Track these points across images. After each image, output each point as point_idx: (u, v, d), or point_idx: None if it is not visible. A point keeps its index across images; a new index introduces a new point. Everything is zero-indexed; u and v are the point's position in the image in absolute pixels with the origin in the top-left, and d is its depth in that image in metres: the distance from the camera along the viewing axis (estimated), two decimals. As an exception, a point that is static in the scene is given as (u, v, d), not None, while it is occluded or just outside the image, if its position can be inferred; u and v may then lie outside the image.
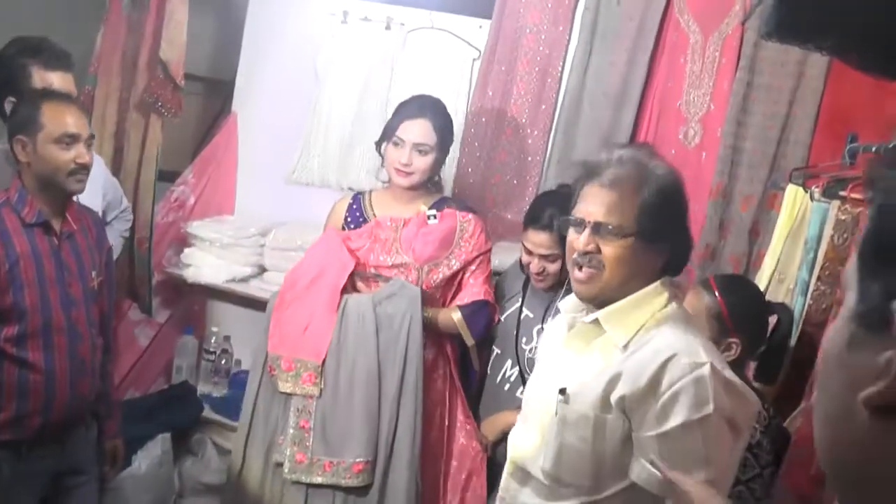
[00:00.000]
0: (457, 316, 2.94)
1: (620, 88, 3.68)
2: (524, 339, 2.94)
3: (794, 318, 2.58)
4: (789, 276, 2.90)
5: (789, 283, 2.88)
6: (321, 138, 3.98)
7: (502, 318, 3.02)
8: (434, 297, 3.03)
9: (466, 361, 3.12)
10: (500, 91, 3.79)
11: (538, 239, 2.84)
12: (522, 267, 2.96)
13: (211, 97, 4.44)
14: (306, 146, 4.00)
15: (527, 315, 2.98)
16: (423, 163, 3.00)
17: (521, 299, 3.01)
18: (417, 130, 2.99)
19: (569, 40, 3.78)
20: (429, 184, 3.12)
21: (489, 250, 3.07)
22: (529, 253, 2.87)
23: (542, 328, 2.80)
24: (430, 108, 3.05)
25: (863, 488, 0.74)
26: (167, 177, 4.08)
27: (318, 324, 2.84)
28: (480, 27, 3.86)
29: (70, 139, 2.59)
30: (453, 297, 3.05)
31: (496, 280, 3.23)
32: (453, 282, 3.05)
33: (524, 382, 2.81)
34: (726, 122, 3.49)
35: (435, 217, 3.00)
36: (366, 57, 3.91)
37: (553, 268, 2.85)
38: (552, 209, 2.77)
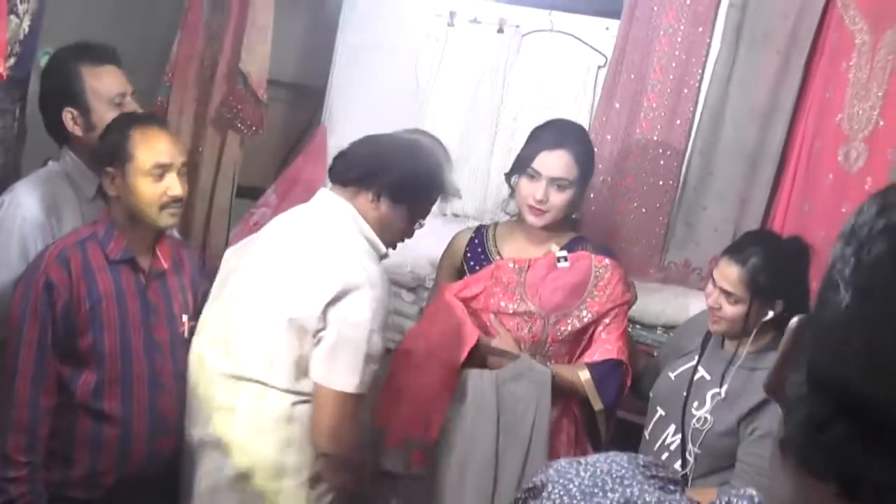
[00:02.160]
0: (584, 375, 2.88)
1: (770, 101, 3.56)
2: (695, 404, 2.84)
3: None
4: None
5: None
6: None
7: (672, 376, 2.94)
8: (560, 351, 2.98)
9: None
10: (628, 104, 3.71)
11: (727, 270, 2.77)
12: (704, 320, 2.91)
13: (298, 106, 4.46)
14: None
15: (702, 376, 2.88)
16: (560, 199, 2.94)
17: (698, 357, 2.91)
18: (556, 163, 2.93)
19: (709, 44, 3.67)
20: (564, 222, 3.06)
21: (627, 302, 3.00)
22: (714, 283, 2.81)
23: (720, 393, 2.76)
24: (570, 136, 3.00)
25: None
26: (246, 193, 4.10)
27: (434, 402, 2.80)
28: (607, 29, 3.79)
29: (161, 170, 2.63)
30: (581, 354, 2.99)
31: (672, 334, 3.20)
32: (583, 336, 2.99)
33: (684, 454, 2.79)
34: (899, 141, 3.33)
35: (566, 260, 2.95)
36: (475, 64, 3.89)
37: (731, 311, 2.76)
38: (757, 248, 2.75)
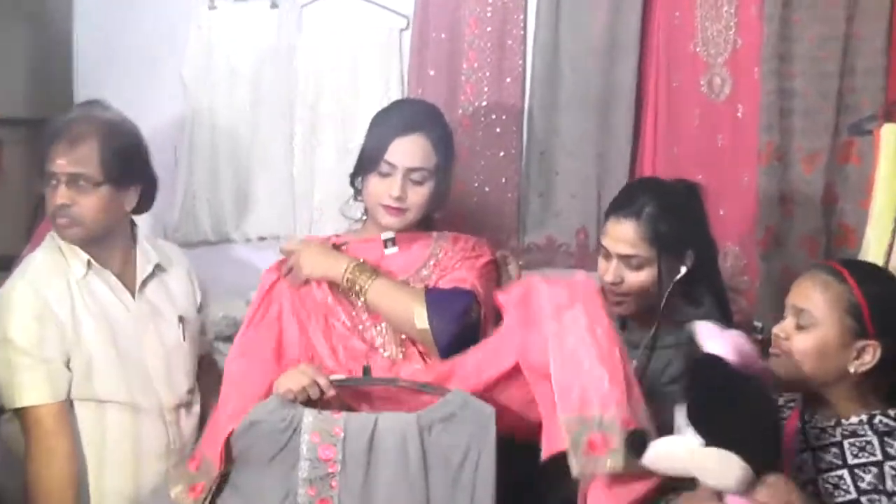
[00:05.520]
0: (419, 304, 2.55)
1: (608, 37, 3.44)
2: None
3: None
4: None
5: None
6: (206, 174, 3.62)
7: None
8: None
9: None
10: (444, 68, 3.47)
11: (619, 231, 2.58)
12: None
13: (39, 145, 3.82)
14: (188, 189, 3.62)
15: None
16: (420, 195, 2.69)
17: None
18: (412, 150, 2.68)
19: (526, -16, 3.51)
20: (424, 223, 2.81)
21: (484, 257, 2.74)
22: (606, 255, 2.62)
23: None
24: (424, 118, 2.76)
25: None
26: (-1, 264, 3.73)
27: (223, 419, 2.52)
28: (402, -15, 3.57)
29: None
30: None
31: None
32: None
33: None
34: (763, 59, 3.25)
35: (394, 243, 2.73)
36: (250, 50, 3.58)
37: (637, 279, 2.58)
38: (645, 196, 2.59)
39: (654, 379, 2.51)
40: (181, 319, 2.85)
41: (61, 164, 2.62)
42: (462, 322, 2.55)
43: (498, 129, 3.46)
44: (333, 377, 2.42)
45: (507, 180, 3.48)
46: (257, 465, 2.37)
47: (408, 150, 2.69)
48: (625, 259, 2.56)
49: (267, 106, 3.59)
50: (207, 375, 2.90)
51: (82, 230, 2.66)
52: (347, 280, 2.58)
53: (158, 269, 2.82)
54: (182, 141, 3.60)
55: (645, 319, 2.60)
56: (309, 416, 2.33)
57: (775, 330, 2.20)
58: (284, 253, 2.68)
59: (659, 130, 3.37)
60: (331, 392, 2.37)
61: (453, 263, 2.71)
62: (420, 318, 2.53)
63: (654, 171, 3.33)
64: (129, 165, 2.70)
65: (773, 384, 2.15)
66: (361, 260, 2.63)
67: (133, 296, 2.74)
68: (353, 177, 2.82)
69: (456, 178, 3.25)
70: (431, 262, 2.71)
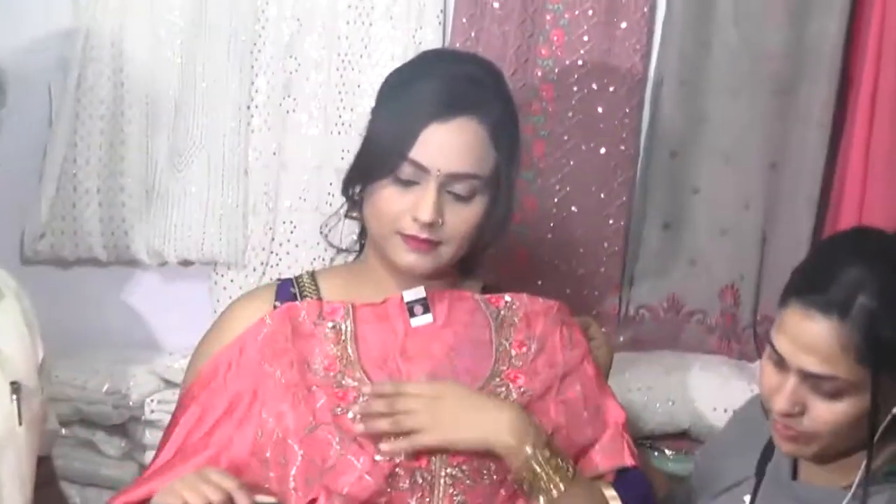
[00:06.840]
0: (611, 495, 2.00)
1: None
2: None
3: None
4: None
5: None
6: (102, 149, 2.68)
7: None
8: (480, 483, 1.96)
9: None
10: (515, 5, 2.57)
11: (807, 332, 1.81)
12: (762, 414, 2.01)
13: None
14: (67, 172, 2.71)
15: None
16: (465, 219, 1.95)
17: (750, 498, 2.03)
18: (457, 146, 1.94)
19: None
20: (469, 262, 2.12)
21: (586, 351, 2.10)
22: (780, 364, 1.83)
23: None
24: (480, 87, 1.99)
25: None
26: None
27: None
28: None
29: None
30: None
31: (697, 455, 2.42)
32: None
33: None
34: None
35: (425, 308, 2.00)
36: None
37: (828, 414, 1.82)
38: (859, 269, 1.79)
39: None
40: (15, 389, 2.09)
41: None
42: None
43: (601, 109, 2.54)
44: (261, 500, 1.81)
45: (609, 198, 2.59)
46: None
47: (450, 145, 1.93)
48: (811, 380, 1.79)
49: (211, 41, 2.66)
50: (46, 491, 2.20)
51: None
52: (529, 472, 1.86)
53: None
54: (63, 89, 2.68)
55: (835, 470, 1.86)
56: None
57: None
58: (375, 394, 1.87)
59: (878, 123, 2.43)
60: None
61: (547, 366, 2.03)
62: None
63: (868, 195, 2.42)
64: None
65: None
66: (549, 431, 1.88)
67: None
68: (349, 182, 2.05)
69: (525, 191, 2.56)
70: (504, 368, 1.97)
